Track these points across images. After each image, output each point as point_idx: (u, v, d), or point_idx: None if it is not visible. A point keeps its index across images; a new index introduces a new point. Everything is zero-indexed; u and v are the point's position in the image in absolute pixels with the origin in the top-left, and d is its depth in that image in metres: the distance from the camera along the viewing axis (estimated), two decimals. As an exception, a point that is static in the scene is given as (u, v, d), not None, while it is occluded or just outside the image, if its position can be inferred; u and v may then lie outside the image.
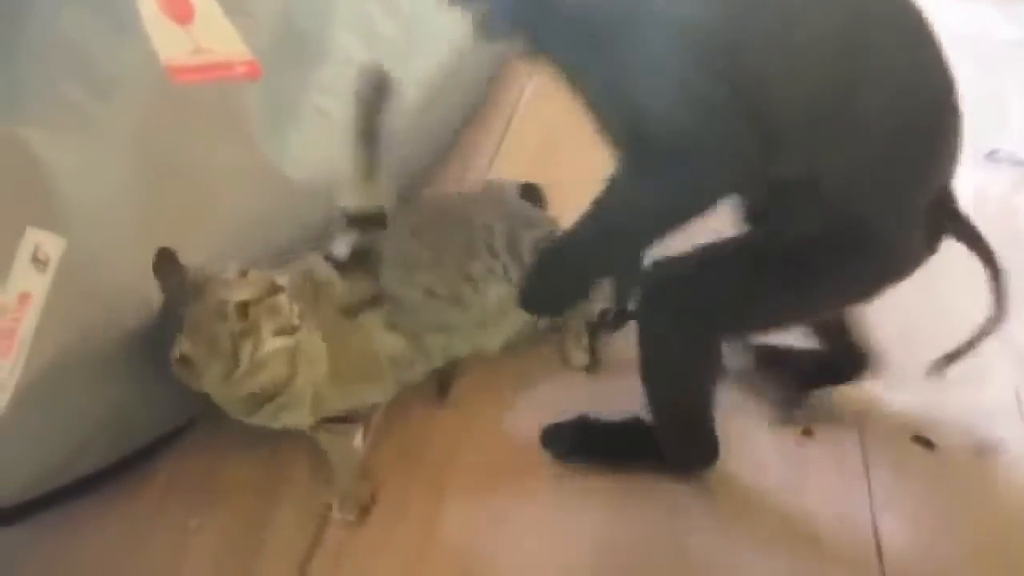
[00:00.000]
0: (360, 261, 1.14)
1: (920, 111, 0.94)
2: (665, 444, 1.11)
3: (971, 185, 1.36)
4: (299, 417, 1.11)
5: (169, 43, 1.07)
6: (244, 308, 1.01)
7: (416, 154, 1.44)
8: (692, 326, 1.02)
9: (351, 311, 1.13)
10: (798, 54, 0.92)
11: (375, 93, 1.09)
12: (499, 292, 1.20)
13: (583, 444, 1.16)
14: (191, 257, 1.03)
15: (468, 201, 1.31)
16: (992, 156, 1.57)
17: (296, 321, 1.04)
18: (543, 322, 1.26)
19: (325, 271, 1.14)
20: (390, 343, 1.15)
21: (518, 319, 1.22)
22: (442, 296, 1.18)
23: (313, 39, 1.26)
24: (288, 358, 1.06)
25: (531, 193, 1.42)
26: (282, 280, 1.06)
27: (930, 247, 1.01)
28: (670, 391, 1.08)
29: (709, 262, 1.02)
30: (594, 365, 1.26)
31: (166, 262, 1.02)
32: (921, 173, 0.97)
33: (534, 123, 1.67)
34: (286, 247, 1.16)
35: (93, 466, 1.09)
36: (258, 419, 1.09)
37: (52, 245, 0.94)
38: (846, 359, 1.20)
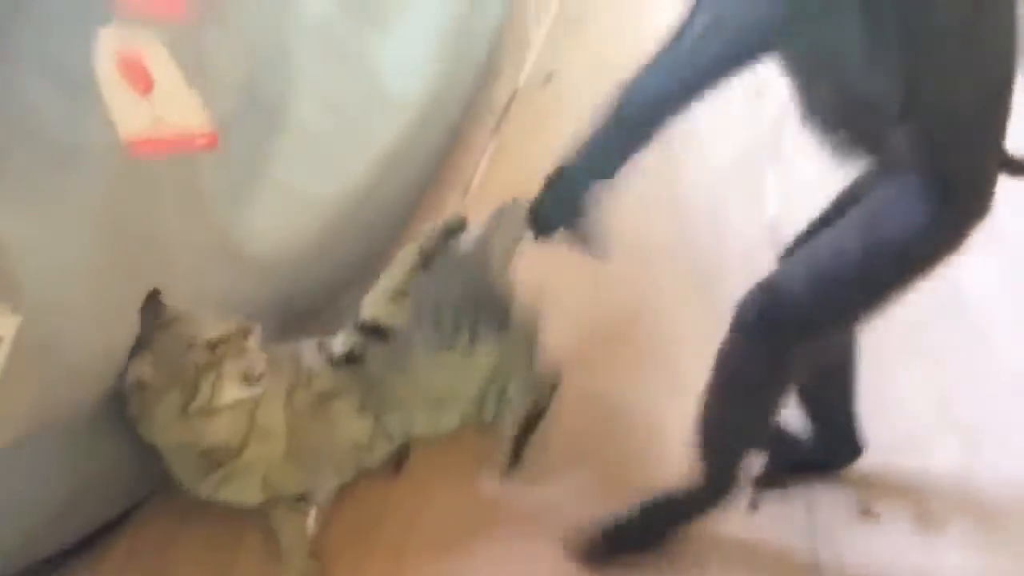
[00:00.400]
0: (351, 361, 1.15)
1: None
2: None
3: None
4: (248, 492, 1.10)
5: (128, 114, 1.05)
6: (213, 344, 1.02)
7: (376, 221, 1.44)
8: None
9: (325, 399, 1.13)
10: None
11: (447, 233, 1.17)
12: (450, 371, 1.20)
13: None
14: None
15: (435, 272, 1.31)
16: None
17: (261, 368, 1.04)
18: (490, 410, 1.26)
19: (314, 359, 1.15)
20: (356, 428, 1.14)
21: (469, 399, 1.23)
22: (402, 371, 1.17)
23: (274, 109, 1.26)
24: (245, 419, 1.05)
25: None
26: (256, 330, 1.07)
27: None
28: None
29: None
30: (513, 468, 1.25)
31: (151, 302, 1.03)
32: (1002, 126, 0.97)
33: (492, 189, 1.68)
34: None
35: (52, 548, 1.07)
36: (206, 488, 1.07)
37: (5, 323, 0.92)
38: (840, 446, 1.21)
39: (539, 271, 1.34)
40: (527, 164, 1.73)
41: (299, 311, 1.30)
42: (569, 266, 1.41)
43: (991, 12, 0.91)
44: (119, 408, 1.01)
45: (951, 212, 0.95)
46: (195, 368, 1.01)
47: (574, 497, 1.20)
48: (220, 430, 1.04)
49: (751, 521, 1.17)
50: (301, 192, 1.26)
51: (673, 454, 1.12)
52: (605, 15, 2.23)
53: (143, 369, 1.00)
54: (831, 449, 1.21)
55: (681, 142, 1.74)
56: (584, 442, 1.25)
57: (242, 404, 1.04)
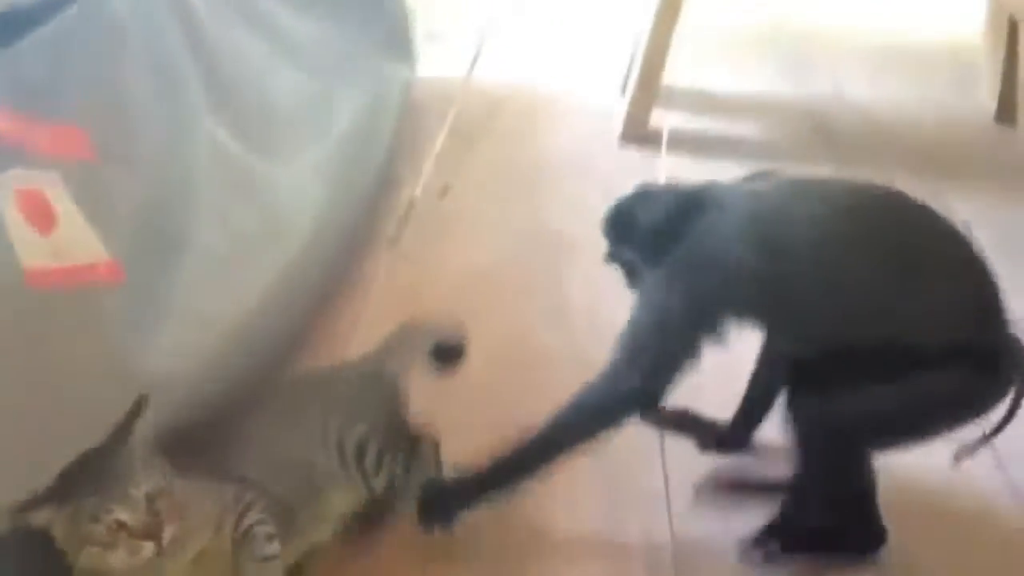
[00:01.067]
0: None
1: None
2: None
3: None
4: None
5: (30, 249, 1.09)
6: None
7: (270, 341, 1.48)
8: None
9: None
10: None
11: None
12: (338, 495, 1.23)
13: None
14: (49, 465, 1.02)
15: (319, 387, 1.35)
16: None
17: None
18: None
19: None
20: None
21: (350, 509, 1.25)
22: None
23: (176, 236, 1.29)
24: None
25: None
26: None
27: None
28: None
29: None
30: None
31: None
32: None
33: (392, 300, 1.74)
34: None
35: None
36: None
37: None
38: (862, 532, 1.22)
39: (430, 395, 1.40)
40: (425, 274, 1.82)
41: (191, 439, 1.32)
42: (463, 387, 1.47)
43: None
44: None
45: None
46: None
47: None
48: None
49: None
50: (199, 314, 1.29)
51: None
52: (501, 130, 2.35)
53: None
54: (853, 534, 1.23)
55: (567, 248, 1.84)
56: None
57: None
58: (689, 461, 1.39)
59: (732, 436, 1.40)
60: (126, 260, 1.16)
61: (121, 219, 1.19)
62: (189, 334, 1.25)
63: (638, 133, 2.31)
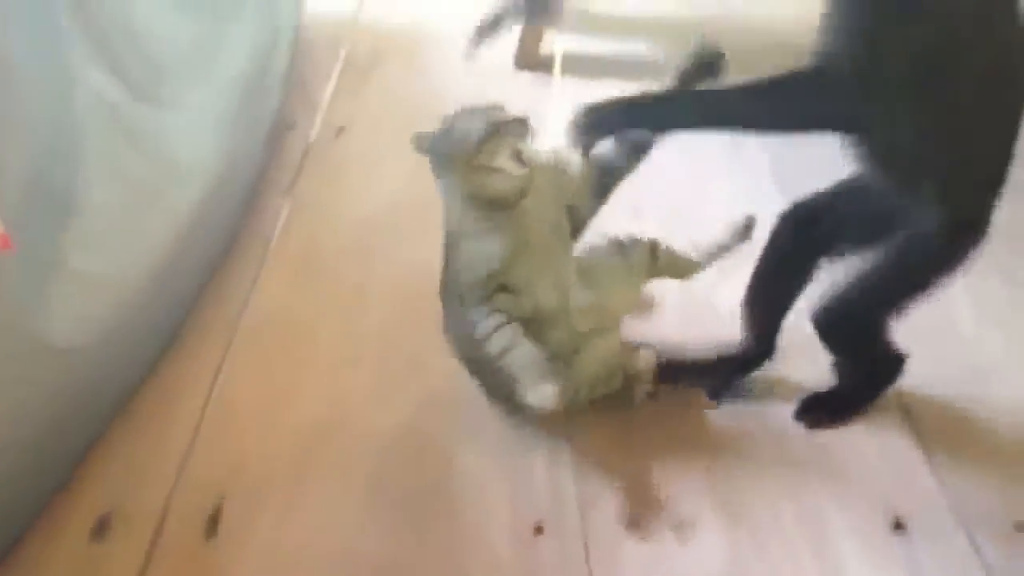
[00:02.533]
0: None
1: None
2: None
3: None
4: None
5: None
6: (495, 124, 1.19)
7: (177, 291, 1.48)
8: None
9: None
10: None
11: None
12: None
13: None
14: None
15: None
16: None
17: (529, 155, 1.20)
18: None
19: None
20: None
21: None
22: None
23: (65, 197, 1.28)
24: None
25: None
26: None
27: None
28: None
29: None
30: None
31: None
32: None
33: (291, 245, 1.74)
34: (48, 414, 1.17)
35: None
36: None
37: None
38: (889, 368, 1.36)
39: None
40: (324, 219, 1.82)
41: (111, 398, 1.32)
42: (369, 333, 1.48)
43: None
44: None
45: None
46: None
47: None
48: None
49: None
50: (99, 275, 1.28)
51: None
52: (393, 67, 2.33)
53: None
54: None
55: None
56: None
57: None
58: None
59: (761, 348, 1.42)
60: (16, 226, 1.15)
61: (6, 183, 1.17)
62: (87, 295, 1.24)
63: (531, 59, 2.31)
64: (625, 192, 1.33)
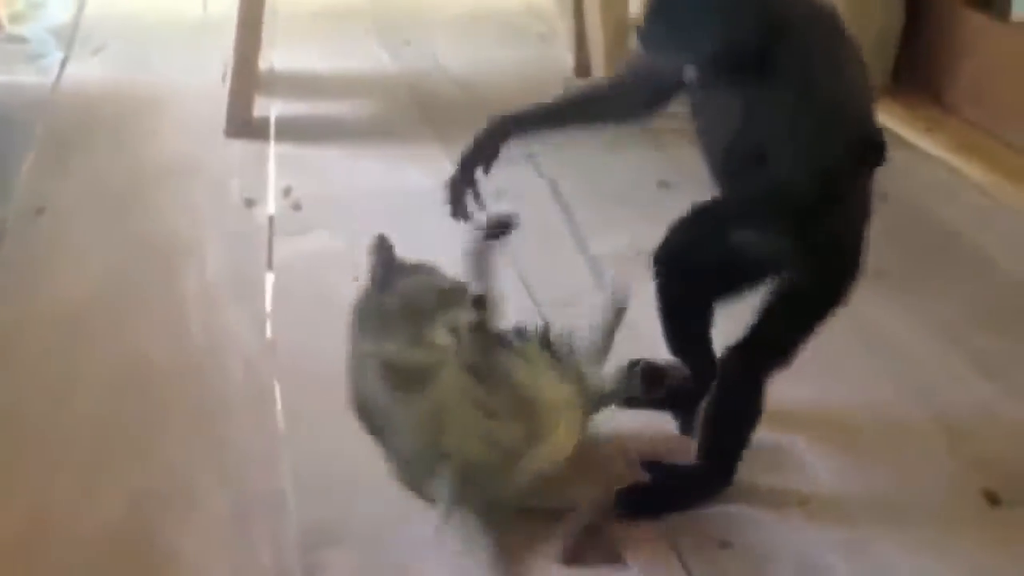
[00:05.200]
0: None
1: None
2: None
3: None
4: None
5: None
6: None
7: None
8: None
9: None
10: None
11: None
12: None
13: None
14: None
15: None
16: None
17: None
18: None
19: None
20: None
21: None
22: None
23: None
24: None
25: None
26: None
27: None
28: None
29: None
30: None
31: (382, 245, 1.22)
32: None
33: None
34: None
35: None
36: None
37: None
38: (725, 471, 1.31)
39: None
40: (24, 306, 1.71)
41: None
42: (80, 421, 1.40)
43: None
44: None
45: None
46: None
47: None
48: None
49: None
50: None
51: None
52: (96, 141, 2.24)
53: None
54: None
55: (182, 253, 1.82)
56: None
57: None
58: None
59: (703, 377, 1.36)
60: None
61: None
62: None
63: (243, 124, 2.29)
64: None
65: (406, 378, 1.19)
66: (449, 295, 1.22)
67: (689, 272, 1.30)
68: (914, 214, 2.00)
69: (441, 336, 1.19)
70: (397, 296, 1.21)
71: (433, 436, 1.19)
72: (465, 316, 1.19)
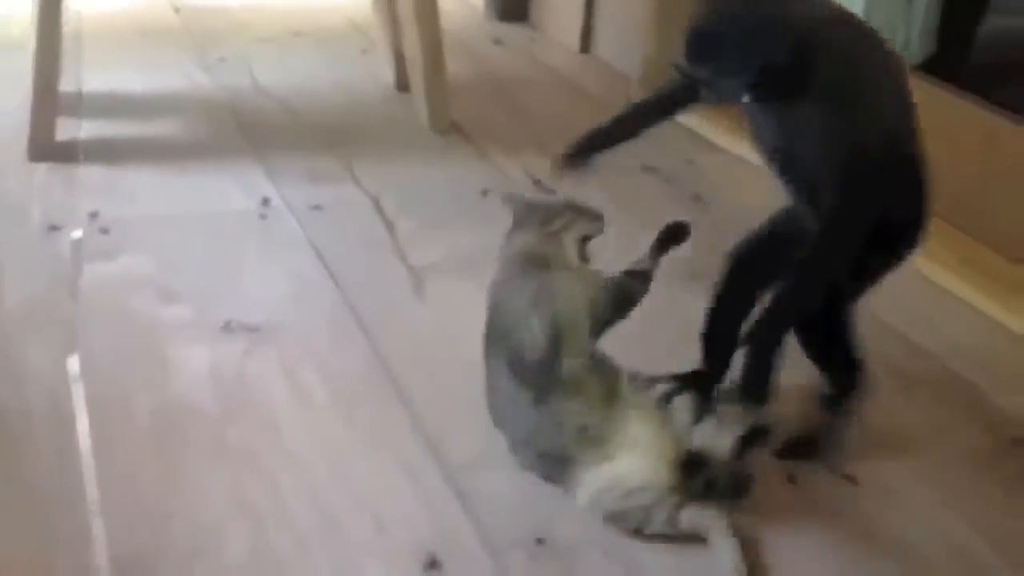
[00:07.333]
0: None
1: None
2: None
3: (206, 357, 1.56)
4: None
5: None
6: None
7: None
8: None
9: None
10: None
11: None
12: None
13: None
14: None
15: None
16: (227, 327, 1.65)
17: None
18: None
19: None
20: None
21: None
22: None
23: None
24: None
25: None
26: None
27: None
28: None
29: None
30: None
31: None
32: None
33: None
34: None
35: None
36: None
37: None
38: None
39: None
40: None
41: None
42: None
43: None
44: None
45: None
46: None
47: None
48: None
49: None
50: None
51: None
52: None
53: None
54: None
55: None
56: None
57: None
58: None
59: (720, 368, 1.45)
60: None
61: None
62: None
63: (46, 148, 2.19)
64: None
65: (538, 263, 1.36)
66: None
67: (760, 262, 1.40)
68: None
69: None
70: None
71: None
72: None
